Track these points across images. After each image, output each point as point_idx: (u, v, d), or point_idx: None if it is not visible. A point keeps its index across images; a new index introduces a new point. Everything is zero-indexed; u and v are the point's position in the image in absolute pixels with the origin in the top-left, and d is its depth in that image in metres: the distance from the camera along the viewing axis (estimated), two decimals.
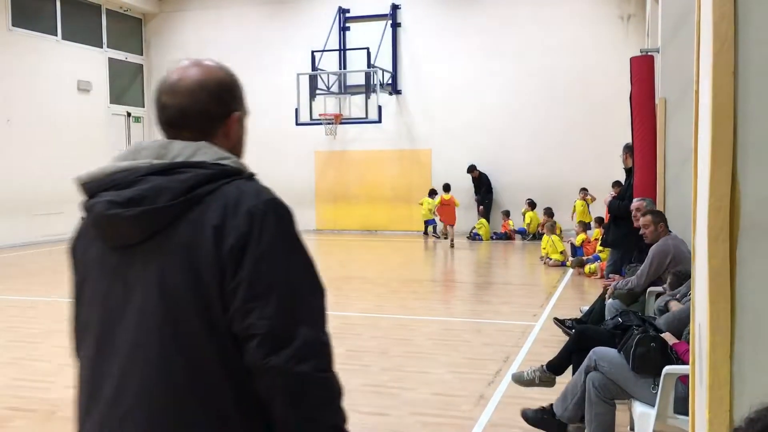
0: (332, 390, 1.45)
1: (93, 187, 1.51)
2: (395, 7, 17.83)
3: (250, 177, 1.60)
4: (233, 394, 1.42)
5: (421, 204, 16.58)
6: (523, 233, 15.97)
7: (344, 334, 7.11)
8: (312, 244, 15.98)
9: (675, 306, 4.28)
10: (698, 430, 2.17)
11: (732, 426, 1.85)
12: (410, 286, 10.38)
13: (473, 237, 16.21)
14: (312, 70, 16.92)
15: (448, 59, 17.50)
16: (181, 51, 19.51)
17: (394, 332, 7.18)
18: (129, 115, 19.35)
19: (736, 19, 1.84)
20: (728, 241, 1.88)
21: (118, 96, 18.96)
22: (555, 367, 4.49)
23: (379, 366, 5.91)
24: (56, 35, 16.95)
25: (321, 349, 1.44)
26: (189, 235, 1.44)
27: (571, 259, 11.59)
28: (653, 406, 3.54)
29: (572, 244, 12.22)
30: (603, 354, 3.81)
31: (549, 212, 14.19)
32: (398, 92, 17.88)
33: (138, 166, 1.49)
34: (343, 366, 5.94)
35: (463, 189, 17.29)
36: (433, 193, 16.56)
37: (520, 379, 4.64)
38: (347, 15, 18.10)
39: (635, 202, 6.37)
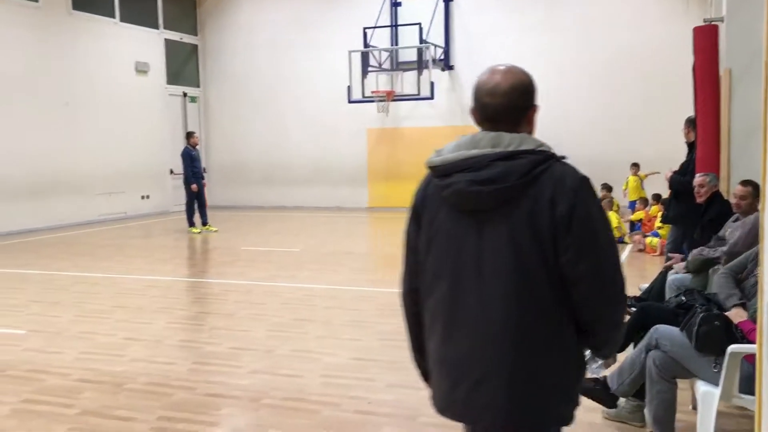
0: (622, 315, 2.11)
1: (447, 169, 2.07)
2: None
3: (562, 159, 2.08)
4: (560, 313, 2.02)
5: None
6: None
7: (399, 311, 7.15)
8: (365, 222, 16.09)
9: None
10: (765, 409, 2.12)
11: None
12: None
13: None
14: (364, 48, 16.87)
15: (503, 33, 17.21)
16: (234, 31, 19.72)
17: None
18: (185, 95, 19.69)
19: None
20: None
21: (174, 76, 19.31)
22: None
23: None
24: (114, 17, 17.31)
25: (623, 287, 2.05)
26: (530, 205, 1.97)
27: (630, 233, 11.40)
28: (716, 385, 3.47)
29: (630, 221, 11.98)
30: (665, 332, 3.74)
31: (607, 187, 13.90)
32: (450, 68, 17.70)
33: (485, 154, 2.01)
34: (399, 342, 5.98)
35: None
36: None
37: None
38: None
39: (698, 178, 6.20)
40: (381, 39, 17.48)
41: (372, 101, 16.86)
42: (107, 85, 17.02)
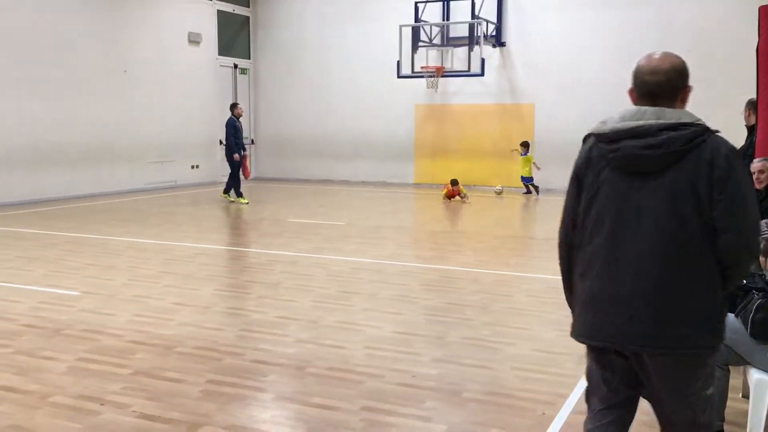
0: (751, 264, 2.59)
1: (617, 135, 2.48)
2: None
3: (715, 132, 2.45)
4: (708, 257, 2.40)
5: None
6: None
7: (445, 288, 7.17)
8: (410, 198, 16.08)
9: None
10: None
11: None
12: (509, 242, 10.30)
13: None
14: (415, 22, 16.74)
15: (557, 10, 16.86)
16: (286, 2, 19.75)
17: (495, 288, 7.17)
18: (236, 66, 19.85)
19: None
20: None
21: (225, 48, 19.47)
22: None
23: (480, 320, 5.93)
24: None
25: (758, 242, 2.52)
26: (691, 167, 2.37)
27: None
28: None
29: None
30: None
31: None
32: (502, 44, 17.43)
33: (652, 124, 2.43)
34: (444, 318, 6.04)
35: (564, 144, 16.84)
36: (525, 145, 16.31)
37: None
38: None
39: (756, 163, 6.00)
40: (432, 14, 17.31)
41: (421, 77, 16.75)
42: (160, 56, 17.26)
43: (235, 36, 19.91)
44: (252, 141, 20.61)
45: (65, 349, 5.10)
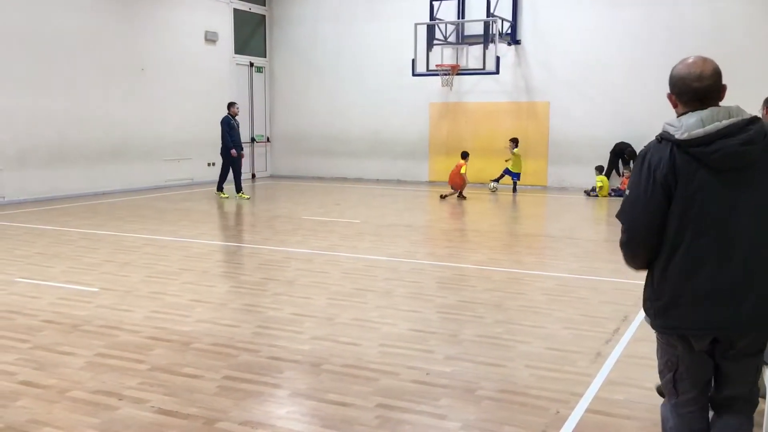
0: None
1: (711, 138, 2.58)
2: None
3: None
4: None
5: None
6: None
7: (459, 285, 7.18)
8: (425, 196, 16.09)
9: None
10: None
11: None
12: (523, 240, 10.28)
13: (590, 193, 15.84)
14: (430, 20, 16.73)
15: (572, 8, 16.79)
16: (302, 1, 19.80)
17: (508, 286, 7.17)
18: (252, 65, 19.94)
19: None
20: None
21: (241, 46, 19.56)
22: None
23: (493, 318, 5.94)
24: None
25: None
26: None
27: None
28: None
29: None
30: None
31: None
32: (517, 42, 17.38)
33: (736, 122, 2.61)
34: (457, 316, 6.05)
35: (579, 142, 16.79)
36: (515, 141, 16.48)
37: None
38: None
39: None
40: (447, 12, 17.29)
41: (436, 75, 16.74)
42: (177, 54, 17.38)
43: (251, 35, 20.00)
44: (268, 139, 20.71)
45: (83, 345, 5.17)
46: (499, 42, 16.20)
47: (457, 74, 16.89)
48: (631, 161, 16.12)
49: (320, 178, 19.74)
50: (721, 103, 2.68)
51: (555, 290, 6.96)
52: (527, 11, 17.32)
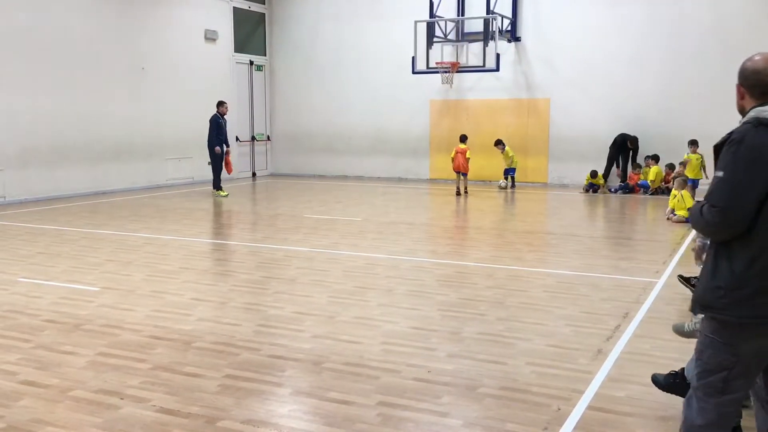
0: None
1: None
2: None
3: None
4: None
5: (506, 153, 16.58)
6: (645, 187, 15.40)
7: (460, 283, 7.19)
8: (426, 194, 16.09)
9: None
10: None
11: None
12: (524, 237, 10.28)
13: (587, 189, 15.86)
14: (429, 18, 16.72)
15: (572, 5, 16.77)
16: (300, 0, 19.78)
17: (509, 283, 7.17)
18: (251, 63, 19.93)
19: None
20: None
21: (241, 45, 19.55)
22: None
23: (495, 315, 5.94)
24: None
25: None
26: None
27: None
28: None
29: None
30: None
31: (684, 164, 13.47)
32: (517, 39, 17.37)
33: None
34: (459, 313, 6.05)
35: (580, 139, 16.78)
36: (500, 143, 16.61)
37: (680, 330, 4.49)
38: None
39: None
40: (447, 9, 17.28)
41: (436, 72, 16.73)
42: (177, 53, 17.38)
43: (251, 33, 19.99)
44: (268, 137, 20.72)
45: (85, 344, 5.18)
46: (499, 39, 16.19)
47: (458, 71, 16.88)
48: (632, 153, 16.09)
49: (321, 176, 19.74)
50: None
51: (556, 287, 6.96)
52: (527, 8, 17.30)
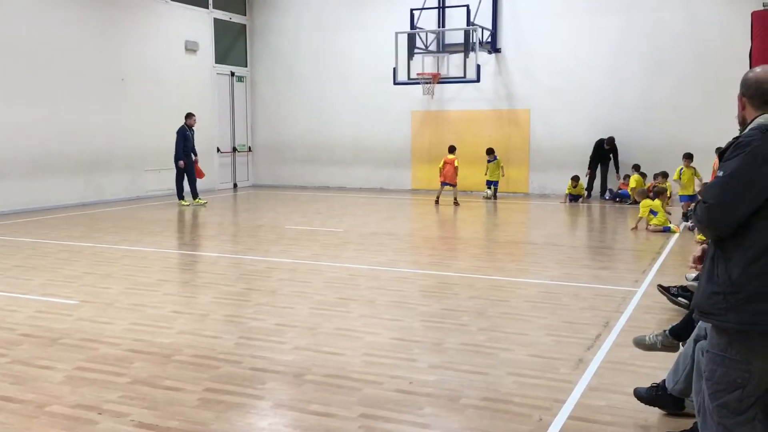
0: None
1: None
2: None
3: None
4: None
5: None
6: (625, 197, 15.53)
7: (442, 294, 7.19)
8: (407, 204, 16.10)
9: None
10: None
11: None
12: (506, 247, 10.31)
13: (574, 198, 15.96)
14: (410, 29, 16.80)
15: (551, 16, 16.94)
16: (283, 10, 19.81)
17: (491, 293, 7.18)
18: (233, 74, 19.89)
19: None
20: None
21: (222, 56, 19.51)
22: (678, 333, 4.27)
23: (477, 326, 5.94)
24: None
25: None
26: None
27: (684, 224, 11.31)
28: None
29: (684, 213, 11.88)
30: None
31: (663, 174, 13.52)
32: (498, 51, 17.50)
33: None
34: (441, 324, 6.05)
35: (560, 149, 16.90)
36: (491, 152, 16.73)
37: (641, 343, 4.47)
38: None
39: None
40: (428, 20, 17.37)
41: (417, 83, 16.80)
42: (157, 64, 17.30)
43: (231, 44, 19.96)
44: (249, 148, 20.66)
45: (63, 359, 5.11)
46: (480, 50, 16.31)
47: (439, 82, 16.96)
48: (613, 155, 16.19)
49: (303, 187, 19.71)
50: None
51: (537, 297, 6.99)
52: (507, 20, 17.45)
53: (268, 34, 20.15)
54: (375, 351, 5.27)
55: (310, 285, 7.52)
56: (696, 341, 3.71)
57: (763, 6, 7.32)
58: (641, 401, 4.08)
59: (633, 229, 11.50)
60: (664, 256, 9.21)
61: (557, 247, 10.09)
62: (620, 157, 16.18)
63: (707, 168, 12.94)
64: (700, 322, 3.76)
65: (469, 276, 8.00)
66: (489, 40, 17.22)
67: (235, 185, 20.11)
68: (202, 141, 18.52)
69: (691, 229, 11.13)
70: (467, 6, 16.37)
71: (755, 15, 7.13)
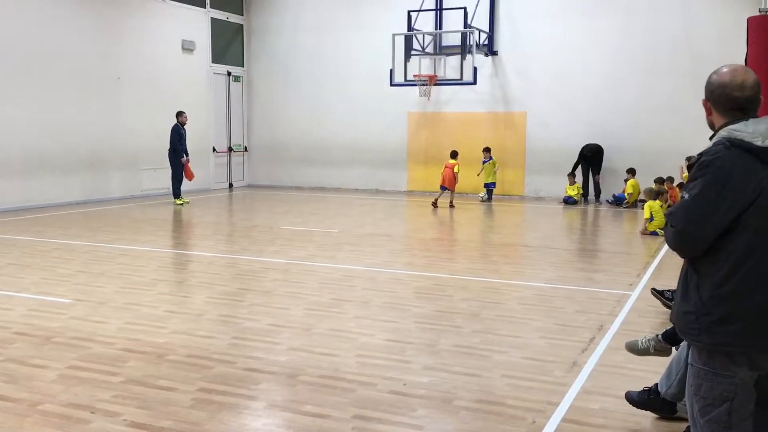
0: None
1: None
2: None
3: None
4: None
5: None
6: (621, 200, 15.57)
7: (436, 295, 7.19)
8: (403, 206, 16.11)
9: None
10: None
11: None
12: (500, 249, 10.33)
13: (566, 200, 16.00)
14: (408, 31, 16.81)
15: (548, 19, 16.97)
16: (280, 10, 19.80)
17: (485, 295, 7.19)
18: (229, 74, 19.88)
19: None
20: None
21: (219, 55, 19.49)
22: (671, 338, 4.24)
23: (470, 328, 5.95)
24: None
25: None
26: None
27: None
28: None
29: None
30: None
31: (660, 180, 13.54)
32: (494, 53, 17.52)
33: None
34: (434, 326, 6.05)
35: (556, 152, 16.93)
36: (488, 150, 16.74)
37: (633, 348, 4.43)
38: None
39: None
40: (425, 22, 17.39)
41: (414, 85, 16.81)
42: (154, 63, 17.27)
43: (228, 44, 19.94)
44: (245, 148, 20.64)
45: (56, 357, 5.09)
46: (477, 53, 16.32)
47: (435, 84, 16.98)
48: (596, 161, 16.26)
49: (299, 188, 19.70)
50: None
51: (531, 299, 7.00)
52: (504, 22, 17.48)
53: (265, 34, 20.14)
54: (369, 352, 5.27)
55: (304, 286, 7.51)
56: (689, 346, 3.71)
57: (759, 12, 7.34)
58: (633, 405, 4.09)
59: (642, 231, 11.46)
60: (658, 259, 9.23)
61: (552, 249, 10.10)
62: (616, 162, 16.22)
63: None
64: None
65: (463, 278, 8.01)
66: (486, 42, 17.24)
67: (230, 185, 20.08)
68: (197, 140, 18.53)
69: None
70: (464, 8, 16.39)
71: (751, 21, 7.16)
